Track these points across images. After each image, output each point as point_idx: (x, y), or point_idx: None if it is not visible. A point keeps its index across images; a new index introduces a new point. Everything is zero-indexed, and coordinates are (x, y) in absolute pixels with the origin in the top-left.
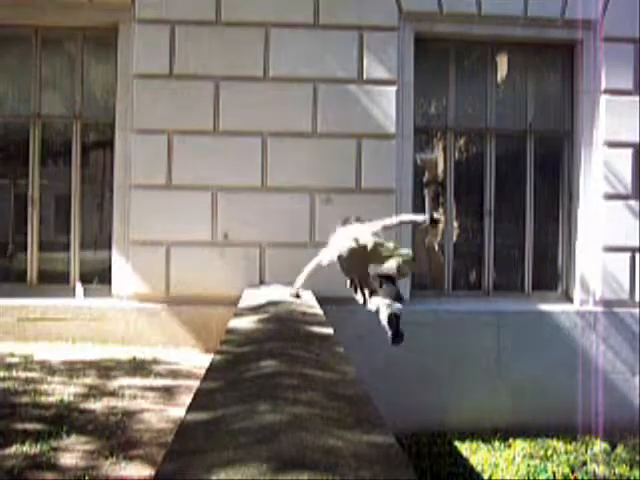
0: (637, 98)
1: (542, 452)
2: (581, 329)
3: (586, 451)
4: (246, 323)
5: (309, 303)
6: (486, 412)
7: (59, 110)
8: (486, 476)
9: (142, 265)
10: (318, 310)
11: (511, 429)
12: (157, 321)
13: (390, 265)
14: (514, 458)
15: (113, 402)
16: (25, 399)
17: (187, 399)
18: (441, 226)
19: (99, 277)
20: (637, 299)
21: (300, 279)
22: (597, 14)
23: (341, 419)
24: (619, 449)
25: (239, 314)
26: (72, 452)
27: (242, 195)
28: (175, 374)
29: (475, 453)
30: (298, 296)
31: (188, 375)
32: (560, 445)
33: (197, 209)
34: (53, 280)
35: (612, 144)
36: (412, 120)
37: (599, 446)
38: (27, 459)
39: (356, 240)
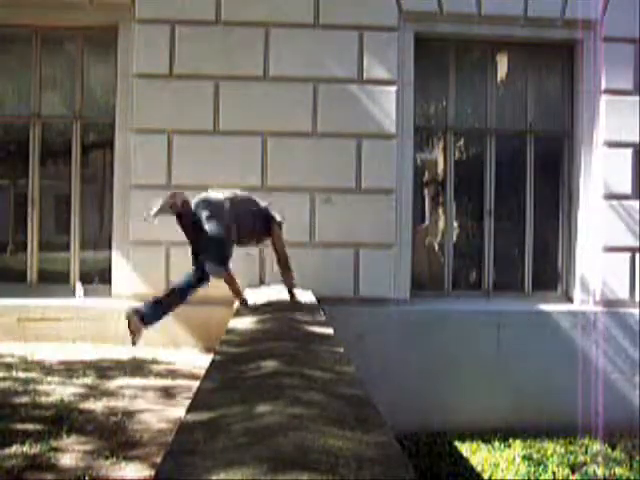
0: (637, 98)
1: (542, 452)
2: (581, 329)
3: (586, 451)
4: (246, 323)
5: (309, 303)
6: (486, 412)
7: (59, 110)
8: (486, 476)
9: (142, 265)
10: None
11: (511, 429)
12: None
13: None
14: (514, 458)
15: (113, 402)
16: (25, 399)
17: (187, 399)
18: (441, 226)
19: (99, 277)
20: (637, 299)
21: None
22: (597, 14)
23: (341, 419)
24: (619, 450)
25: (239, 314)
26: (72, 452)
27: None
28: (175, 374)
29: (475, 453)
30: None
31: (188, 375)
32: (560, 445)
33: None
34: (53, 280)
35: (612, 144)
36: (412, 120)
37: (599, 446)
38: (27, 459)
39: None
